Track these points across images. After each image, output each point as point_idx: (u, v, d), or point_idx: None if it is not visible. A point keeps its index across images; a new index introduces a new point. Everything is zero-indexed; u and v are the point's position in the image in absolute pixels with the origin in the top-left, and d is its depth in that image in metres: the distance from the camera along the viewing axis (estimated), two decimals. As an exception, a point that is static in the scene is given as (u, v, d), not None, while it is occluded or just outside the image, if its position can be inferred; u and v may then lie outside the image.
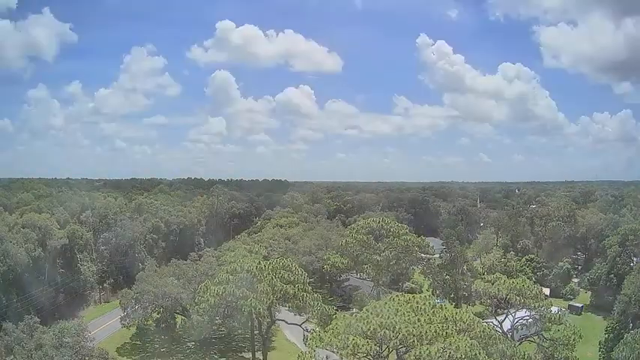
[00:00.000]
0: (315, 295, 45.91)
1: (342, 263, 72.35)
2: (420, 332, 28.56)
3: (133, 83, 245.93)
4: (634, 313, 59.36)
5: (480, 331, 31.35)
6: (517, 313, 43.20)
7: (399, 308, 30.92)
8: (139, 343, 60.84)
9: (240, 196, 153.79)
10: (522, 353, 33.93)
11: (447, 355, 27.56)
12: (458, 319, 31.44)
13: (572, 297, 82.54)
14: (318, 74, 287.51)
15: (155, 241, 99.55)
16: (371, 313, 30.88)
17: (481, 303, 50.25)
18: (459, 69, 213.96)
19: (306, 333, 41.60)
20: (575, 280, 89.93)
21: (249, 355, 53.68)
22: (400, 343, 29.89)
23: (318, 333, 32.48)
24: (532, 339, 40.74)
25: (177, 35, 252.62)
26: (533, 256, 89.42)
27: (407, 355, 29.05)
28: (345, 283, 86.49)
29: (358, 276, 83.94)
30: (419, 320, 29.46)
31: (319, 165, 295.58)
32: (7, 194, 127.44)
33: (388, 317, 29.69)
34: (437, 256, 77.86)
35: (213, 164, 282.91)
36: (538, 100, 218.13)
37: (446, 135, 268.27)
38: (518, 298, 41.04)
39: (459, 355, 27.38)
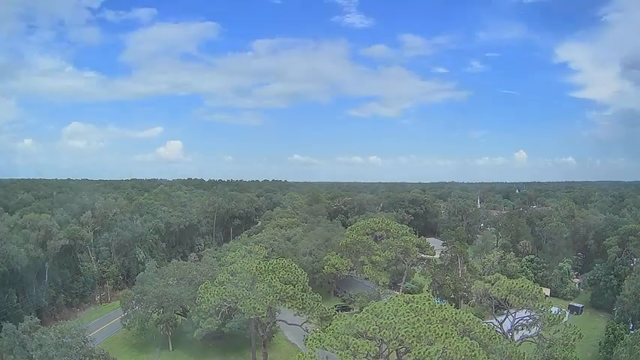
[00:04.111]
0: (315, 296, 45.90)
1: (342, 264, 72.41)
2: (420, 333, 28.56)
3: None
4: (634, 314, 59.42)
5: (479, 332, 31.37)
6: (517, 313, 43.17)
7: (399, 309, 30.91)
8: (139, 343, 60.82)
9: (241, 197, 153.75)
10: (522, 354, 33.90)
11: (446, 356, 27.59)
12: (458, 319, 31.46)
13: (572, 297, 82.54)
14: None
15: (155, 241, 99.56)
16: (371, 314, 30.88)
17: (481, 303, 50.14)
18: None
19: (306, 333, 41.57)
20: (576, 280, 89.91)
21: (249, 355, 53.65)
22: (400, 344, 29.92)
23: (318, 333, 32.47)
24: (532, 339, 40.68)
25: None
26: (533, 256, 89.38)
27: (407, 356, 29.07)
28: (345, 284, 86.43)
29: (358, 276, 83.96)
30: (418, 320, 29.46)
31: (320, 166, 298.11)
32: (8, 194, 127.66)
33: (388, 318, 29.70)
34: (437, 256, 77.82)
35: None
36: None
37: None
38: (517, 298, 41.02)
39: (458, 356, 27.41)
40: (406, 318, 29.69)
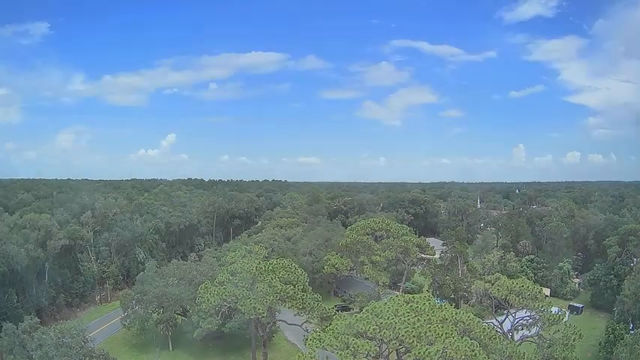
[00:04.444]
0: (315, 296, 45.90)
1: (342, 264, 72.41)
2: (420, 333, 28.57)
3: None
4: (634, 314, 59.41)
5: (480, 332, 31.37)
6: (517, 313, 43.16)
7: (399, 309, 30.92)
8: (139, 343, 60.83)
9: (241, 197, 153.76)
10: (522, 353, 33.90)
11: (446, 356, 27.59)
12: (458, 319, 31.47)
13: (572, 297, 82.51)
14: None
15: (155, 241, 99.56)
16: (371, 314, 30.89)
17: (481, 303, 50.14)
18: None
19: (306, 333, 41.57)
20: (576, 280, 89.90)
21: (249, 355, 53.66)
22: (400, 344, 29.92)
23: (318, 333, 32.47)
24: (532, 339, 40.66)
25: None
26: (533, 256, 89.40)
27: (407, 356, 29.08)
28: (345, 284, 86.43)
29: (358, 276, 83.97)
30: (418, 320, 29.46)
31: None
32: (8, 195, 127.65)
33: (388, 318, 29.71)
34: (437, 256, 77.83)
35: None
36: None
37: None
38: (517, 298, 41.00)
39: (458, 356, 27.41)
40: (406, 318, 29.69)
